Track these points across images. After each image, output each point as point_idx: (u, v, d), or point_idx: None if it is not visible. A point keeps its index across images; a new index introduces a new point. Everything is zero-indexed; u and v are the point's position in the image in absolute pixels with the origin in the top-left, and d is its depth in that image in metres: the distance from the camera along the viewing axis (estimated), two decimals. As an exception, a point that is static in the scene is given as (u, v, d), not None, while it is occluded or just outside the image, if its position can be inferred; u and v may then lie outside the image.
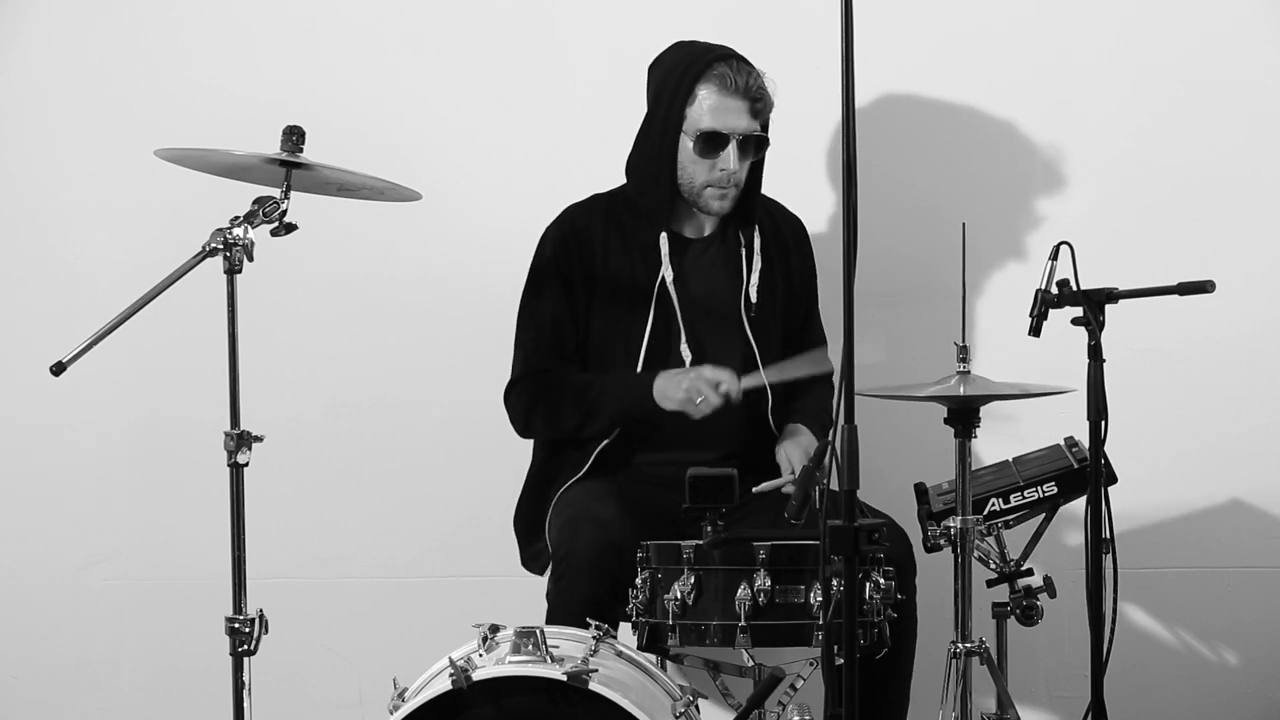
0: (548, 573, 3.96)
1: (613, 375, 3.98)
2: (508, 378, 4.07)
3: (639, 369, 3.98)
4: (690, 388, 3.83)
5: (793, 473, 3.87)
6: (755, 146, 3.95)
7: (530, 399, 4.02)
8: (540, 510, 4.02)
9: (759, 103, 3.91)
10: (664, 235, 4.01)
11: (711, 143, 3.92)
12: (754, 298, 4.03)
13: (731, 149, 3.92)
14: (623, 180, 4.08)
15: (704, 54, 3.94)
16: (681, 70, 3.92)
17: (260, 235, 3.38)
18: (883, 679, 3.73)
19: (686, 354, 3.99)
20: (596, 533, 3.71)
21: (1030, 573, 3.78)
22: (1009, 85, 4.59)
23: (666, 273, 4.00)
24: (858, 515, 2.88)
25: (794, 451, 3.93)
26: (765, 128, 3.97)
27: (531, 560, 4.09)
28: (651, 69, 4.01)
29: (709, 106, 3.90)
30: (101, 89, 4.64)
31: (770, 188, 4.09)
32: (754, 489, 3.77)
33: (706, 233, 4.07)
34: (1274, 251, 4.58)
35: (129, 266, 4.45)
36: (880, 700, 3.76)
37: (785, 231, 4.14)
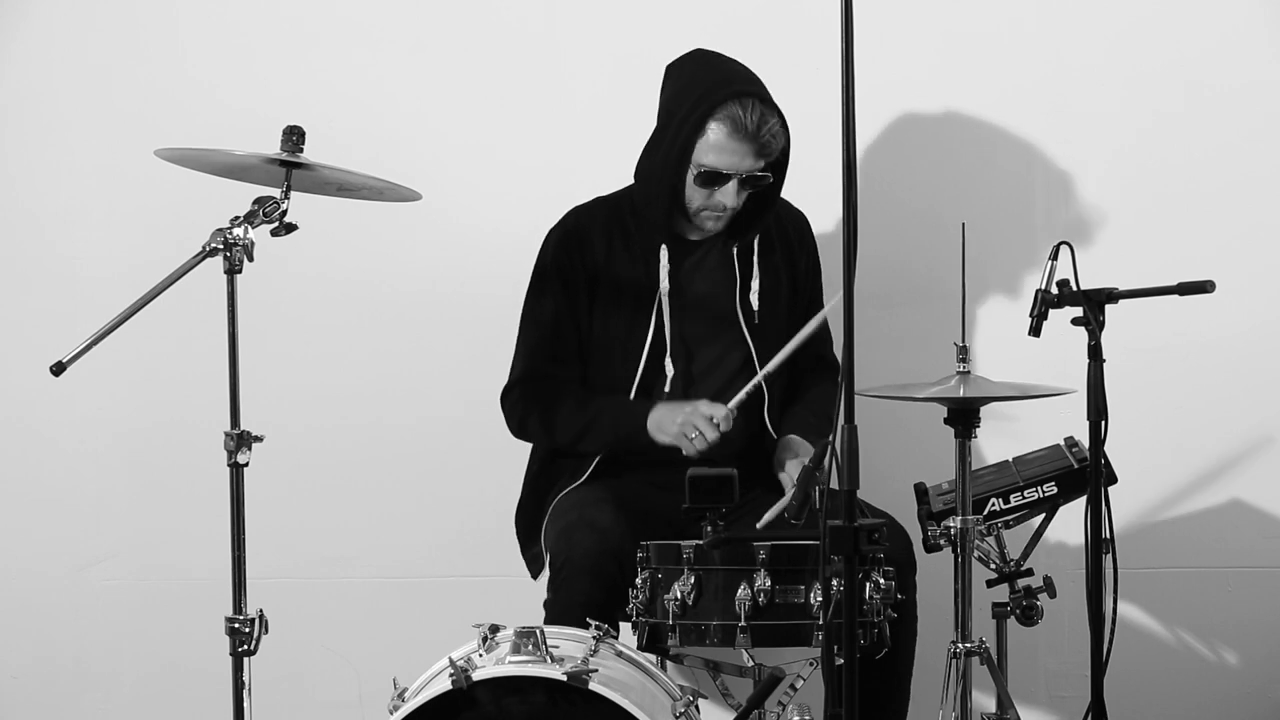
0: (543, 577, 3.96)
1: (611, 398, 3.98)
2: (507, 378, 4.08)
3: (639, 373, 3.98)
4: (685, 424, 3.82)
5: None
6: (756, 182, 3.94)
7: (527, 406, 4.02)
8: (538, 514, 4.03)
9: (768, 147, 3.89)
10: (664, 249, 4.00)
11: (712, 179, 3.90)
12: (755, 304, 4.03)
13: (731, 186, 3.90)
14: (626, 182, 4.08)
15: (722, 84, 3.88)
16: (696, 98, 3.88)
17: (260, 235, 3.38)
18: (883, 679, 3.73)
19: (670, 369, 3.99)
20: (594, 539, 3.71)
21: (1030, 573, 3.78)
22: (1010, 86, 4.59)
23: (663, 284, 4.00)
24: (858, 515, 2.88)
25: (794, 467, 3.91)
26: (780, 164, 3.94)
27: (529, 563, 4.09)
28: (669, 74, 3.98)
29: (715, 144, 3.87)
30: (101, 89, 4.65)
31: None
32: (758, 525, 3.75)
33: (709, 235, 4.06)
34: (1274, 251, 4.58)
35: (129, 266, 4.45)
36: (880, 700, 3.76)
37: (789, 228, 4.14)
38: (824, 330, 4.18)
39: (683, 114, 3.89)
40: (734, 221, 4.00)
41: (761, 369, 3.98)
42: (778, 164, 3.95)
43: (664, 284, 4.01)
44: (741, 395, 3.86)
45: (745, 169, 3.89)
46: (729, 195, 3.91)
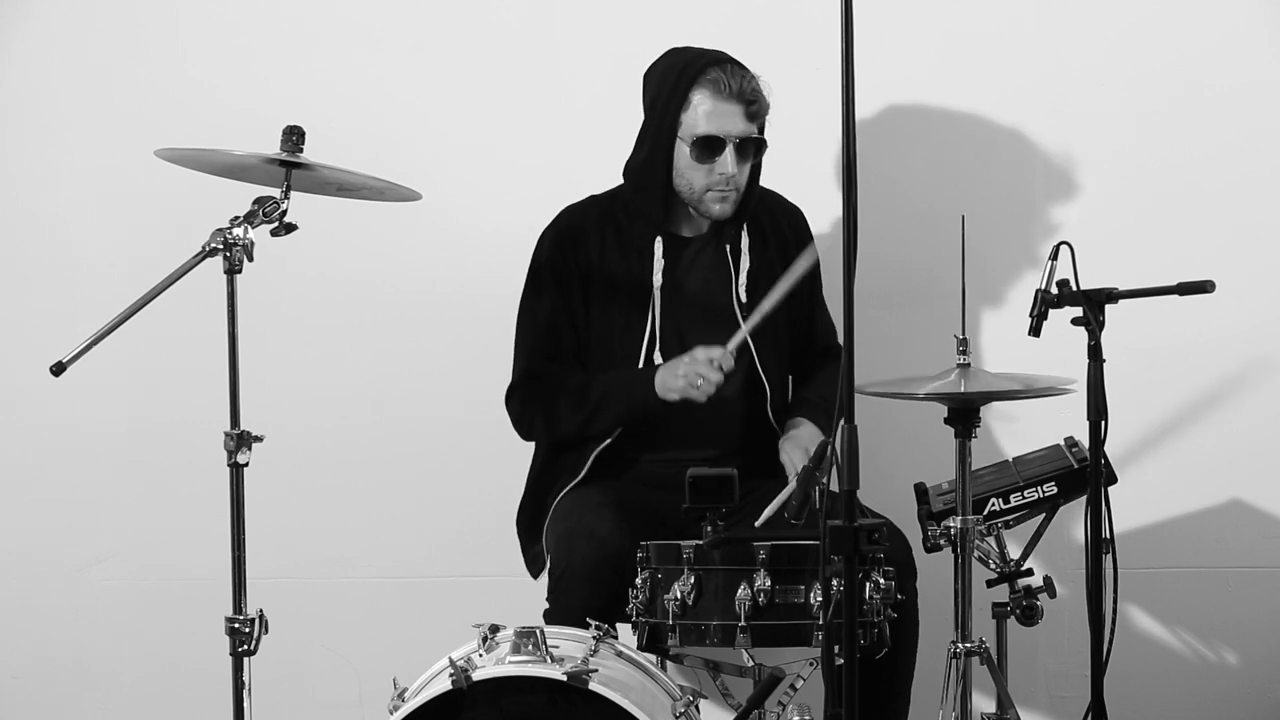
0: (543, 577, 3.96)
1: (612, 374, 3.98)
2: (508, 379, 4.08)
3: (639, 366, 3.98)
4: (688, 373, 3.83)
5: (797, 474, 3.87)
6: (754, 149, 3.94)
7: (530, 404, 4.02)
8: (539, 514, 4.02)
9: (754, 105, 3.90)
10: (659, 240, 4.01)
11: (708, 147, 3.91)
12: (743, 296, 4.03)
13: (729, 153, 3.91)
14: (621, 181, 4.08)
15: (697, 59, 3.92)
16: (675, 76, 3.91)
17: (260, 235, 3.38)
18: (883, 679, 3.73)
19: (659, 359, 3.99)
20: (593, 547, 3.71)
21: (1030, 573, 3.77)
22: (1009, 86, 4.59)
23: (657, 278, 4.00)
24: (858, 516, 2.88)
25: (796, 454, 3.92)
26: (762, 130, 3.97)
27: (530, 563, 4.09)
28: (646, 77, 4.01)
29: (704, 112, 3.89)
30: (101, 89, 4.65)
31: (773, 186, 4.09)
32: (757, 523, 3.75)
33: (703, 231, 4.06)
34: (1274, 251, 4.58)
35: (129, 266, 4.45)
36: (881, 700, 3.76)
37: (784, 223, 4.14)
38: (828, 322, 4.18)
39: (664, 96, 3.91)
40: (735, 204, 3.99)
41: (760, 364, 3.99)
42: (761, 129, 3.95)
43: (658, 278, 4.01)
44: (738, 338, 3.86)
45: (738, 131, 3.89)
46: (728, 163, 3.91)
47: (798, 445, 3.94)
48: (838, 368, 4.04)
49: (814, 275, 4.17)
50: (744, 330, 3.88)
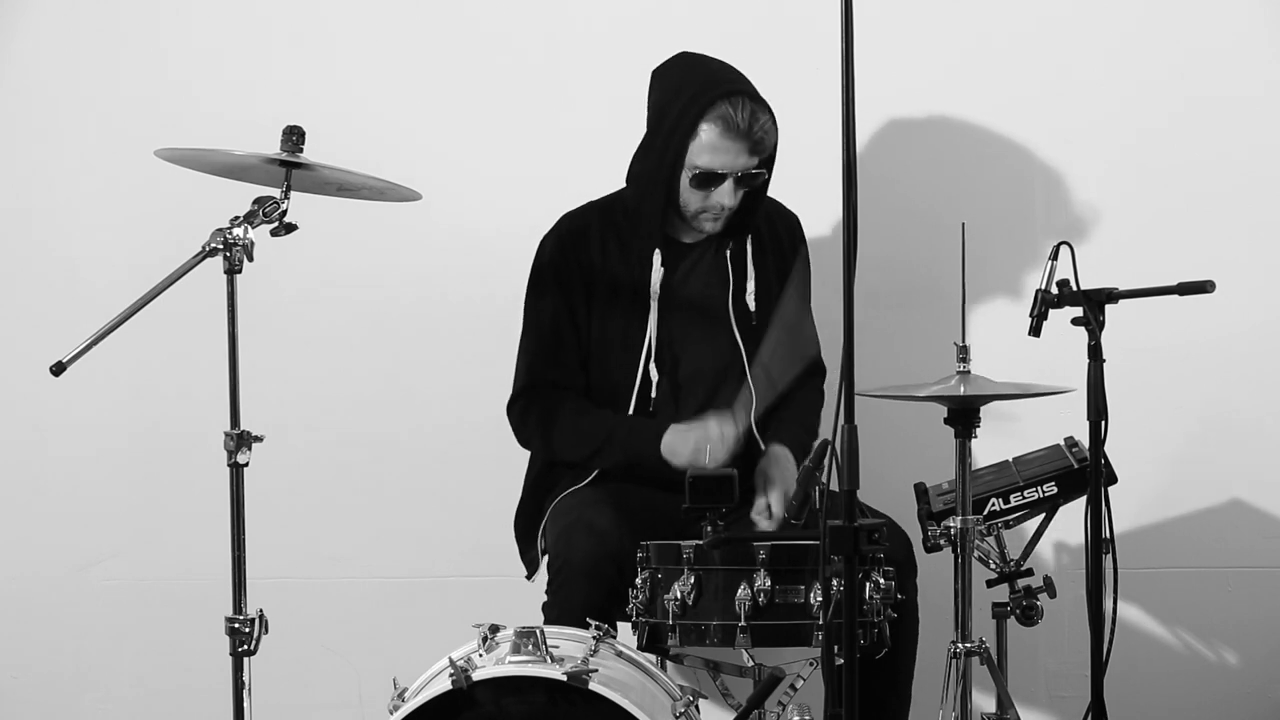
0: (538, 577, 3.96)
1: (622, 419, 3.96)
2: (508, 378, 4.07)
3: (638, 373, 3.97)
4: (697, 450, 3.82)
5: (768, 510, 3.84)
6: (752, 180, 3.93)
7: (531, 422, 3.99)
8: (536, 516, 4.02)
9: (760, 144, 3.88)
10: (657, 252, 4.00)
11: (708, 180, 3.90)
12: (752, 306, 4.03)
13: (727, 186, 3.90)
14: (621, 185, 4.07)
15: (710, 87, 3.88)
16: (685, 102, 3.88)
17: (260, 235, 3.38)
18: (883, 679, 3.73)
19: (654, 373, 3.98)
20: (593, 542, 3.71)
21: (1030, 573, 3.78)
22: (1010, 87, 4.59)
23: (655, 285, 3.99)
24: (858, 516, 2.88)
25: (775, 498, 3.88)
26: (768, 159, 3.94)
27: (526, 565, 4.09)
28: (655, 79, 3.98)
29: (708, 145, 3.87)
30: (101, 89, 4.65)
31: (772, 191, 4.09)
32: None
33: (703, 237, 4.06)
34: (1274, 252, 4.58)
35: (129, 266, 4.45)
36: (880, 700, 3.76)
37: (780, 229, 4.13)
38: (811, 331, 4.17)
39: (673, 118, 3.89)
40: (727, 221, 4.00)
41: (750, 375, 3.99)
42: (768, 160, 3.95)
43: (655, 286, 4.00)
44: (744, 421, 3.87)
45: (740, 167, 3.89)
46: (726, 195, 3.91)
47: (779, 478, 3.89)
48: (816, 393, 4.08)
49: (804, 285, 4.17)
50: (751, 414, 3.89)
